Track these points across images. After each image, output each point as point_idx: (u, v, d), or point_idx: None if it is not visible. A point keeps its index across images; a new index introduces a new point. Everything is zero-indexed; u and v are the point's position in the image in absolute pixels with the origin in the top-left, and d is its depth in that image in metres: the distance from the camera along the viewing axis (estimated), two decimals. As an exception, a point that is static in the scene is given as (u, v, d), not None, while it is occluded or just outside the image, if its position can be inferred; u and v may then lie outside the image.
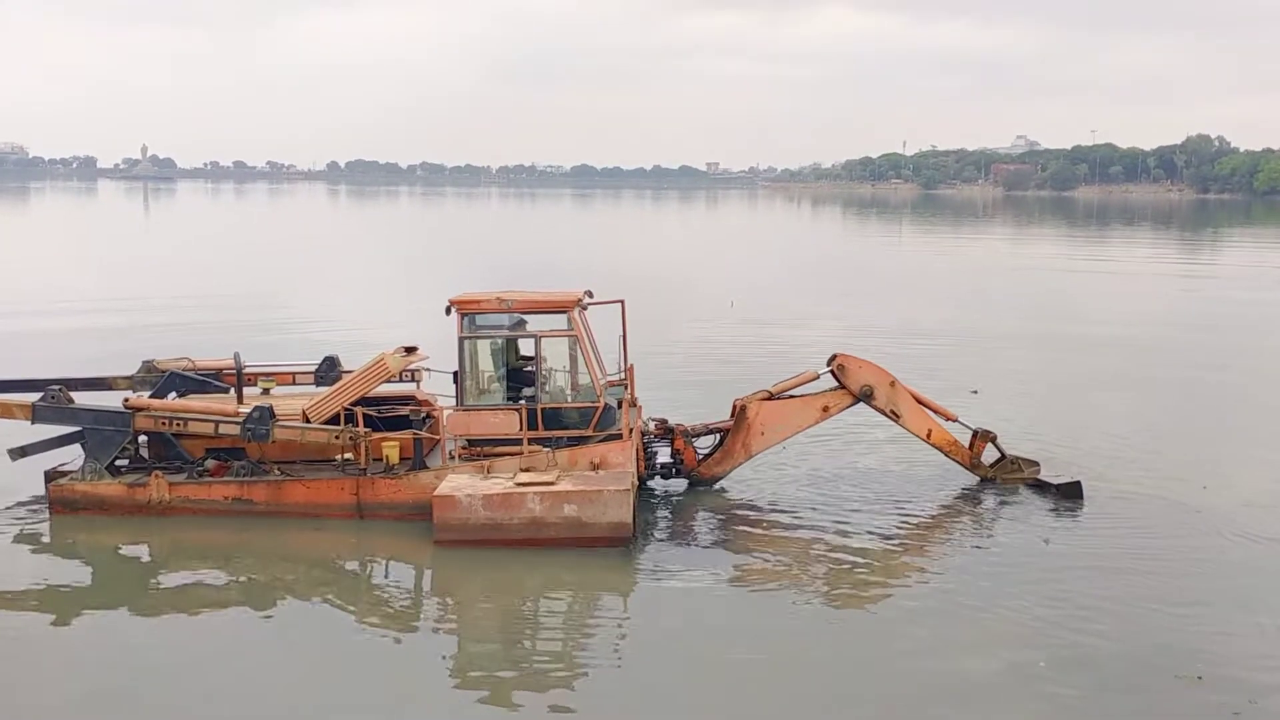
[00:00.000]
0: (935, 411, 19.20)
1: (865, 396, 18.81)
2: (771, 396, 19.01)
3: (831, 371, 18.90)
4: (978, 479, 19.27)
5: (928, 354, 32.24)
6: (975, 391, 26.22)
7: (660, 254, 79.05)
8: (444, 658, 13.04)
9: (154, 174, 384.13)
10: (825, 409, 18.97)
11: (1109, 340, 36.63)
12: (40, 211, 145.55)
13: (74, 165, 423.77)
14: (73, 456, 17.79)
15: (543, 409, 17.42)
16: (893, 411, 18.95)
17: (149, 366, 19.77)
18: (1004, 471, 19.20)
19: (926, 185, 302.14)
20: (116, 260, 67.42)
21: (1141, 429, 23.62)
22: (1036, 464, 19.24)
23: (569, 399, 17.96)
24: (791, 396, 19.06)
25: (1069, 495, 18.36)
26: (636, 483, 17.24)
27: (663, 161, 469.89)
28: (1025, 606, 14.10)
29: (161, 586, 15.22)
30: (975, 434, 19.30)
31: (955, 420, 19.26)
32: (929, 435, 19.11)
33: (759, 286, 51.95)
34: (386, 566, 16.03)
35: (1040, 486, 18.86)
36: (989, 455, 19.35)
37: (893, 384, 18.91)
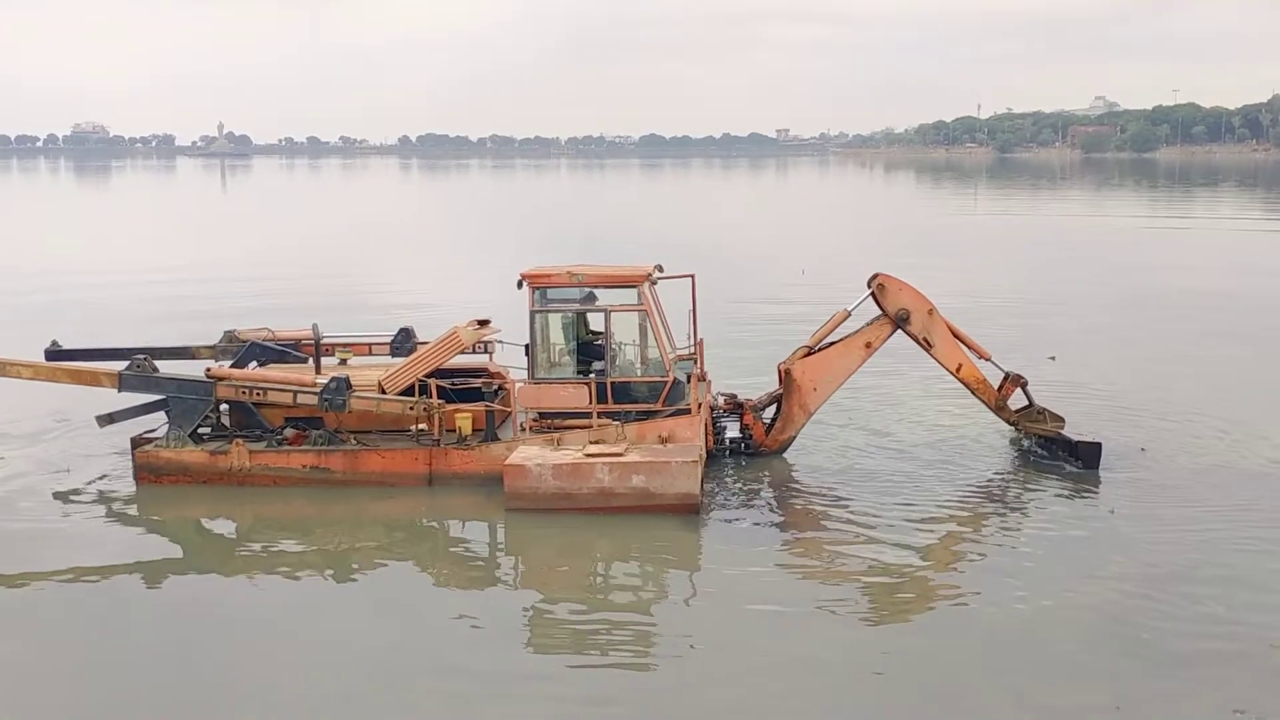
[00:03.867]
0: (969, 347, 18.81)
1: (901, 320, 18.43)
2: (811, 351, 18.84)
3: (872, 293, 18.60)
4: (1030, 441, 18.93)
5: (1006, 318, 31.85)
6: (1053, 358, 25.84)
7: (730, 222, 78.70)
8: (522, 618, 13.26)
9: (230, 151, 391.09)
10: (868, 345, 18.67)
11: (1190, 305, 35.81)
12: (124, 188, 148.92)
13: (153, 144, 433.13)
14: (158, 424, 18.33)
15: (612, 383, 17.53)
16: (926, 340, 18.57)
17: (230, 336, 20.27)
18: (1028, 419, 18.85)
19: (1002, 149, 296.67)
20: (198, 234, 68.88)
21: (1226, 398, 22.79)
22: (1061, 419, 18.80)
23: (638, 373, 18.04)
24: (831, 343, 18.85)
25: (1087, 455, 18.00)
26: (705, 456, 17.30)
27: (732, 129, 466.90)
28: (1104, 581, 13.88)
29: (246, 553, 15.70)
30: (1006, 376, 18.89)
31: (989, 359, 18.85)
32: (959, 369, 18.73)
33: (831, 254, 51.57)
34: (463, 531, 16.38)
35: (1060, 443, 18.49)
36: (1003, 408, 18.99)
37: (930, 312, 18.52)
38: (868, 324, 18.76)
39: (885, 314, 18.59)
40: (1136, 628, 12.55)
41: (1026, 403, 18.92)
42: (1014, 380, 18.90)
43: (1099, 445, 18.11)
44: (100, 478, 18.18)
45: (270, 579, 14.43)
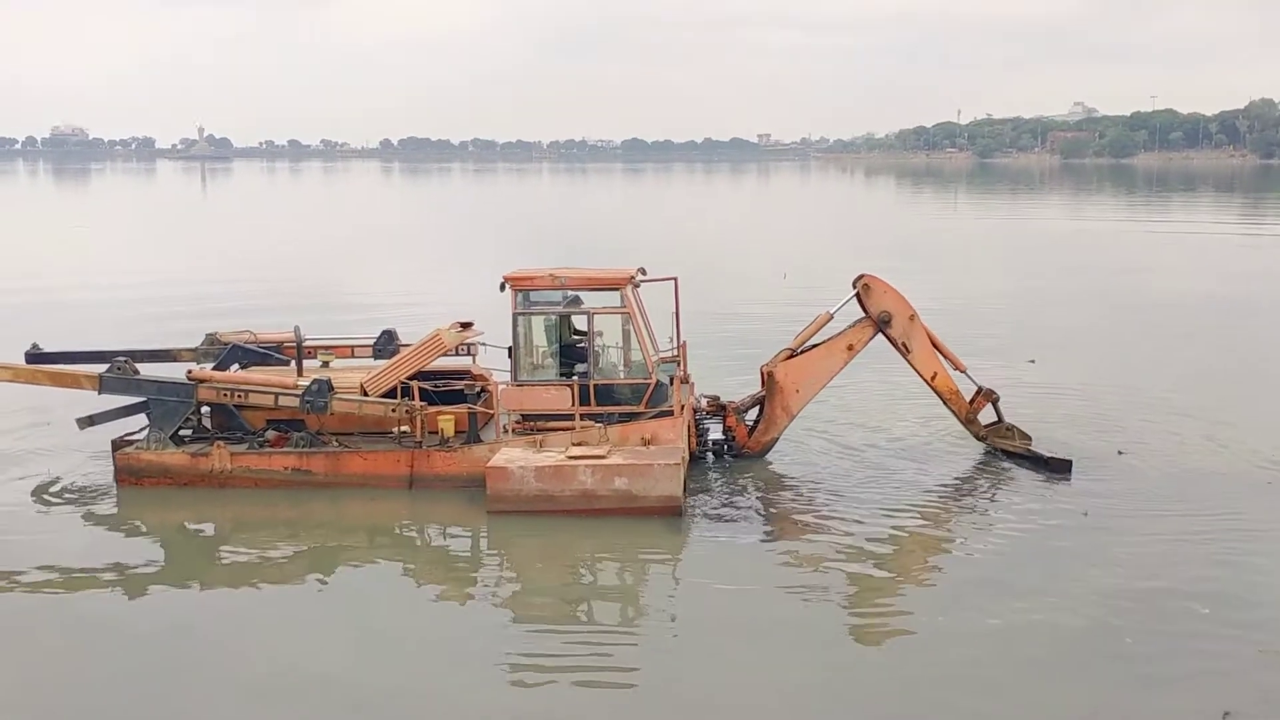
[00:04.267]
0: (946, 358, 18.91)
1: (883, 323, 18.54)
2: (794, 353, 18.91)
3: (857, 294, 18.67)
4: (987, 448, 19.07)
5: (987, 321, 31.98)
6: (1032, 360, 25.96)
7: (712, 227, 78.75)
8: (502, 622, 13.24)
9: (210, 154, 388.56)
10: (850, 348, 18.75)
11: (1170, 308, 36.05)
12: (104, 192, 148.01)
13: (133, 146, 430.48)
14: (139, 426, 18.22)
15: (595, 385, 17.55)
16: (905, 345, 18.68)
17: (212, 339, 20.19)
18: (997, 435, 18.99)
19: (982, 154, 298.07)
20: (178, 239, 68.55)
21: (1208, 402, 22.78)
22: (1029, 436, 18.94)
23: (621, 375, 18.06)
24: (814, 345, 18.92)
25: (1058, 471, 18.04)
26: (687, 458, 17.34)
27: (713, 134, 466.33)
28: (1082, 589, 13.88)
29: (225, 557, 15.65)
30: (979, 391, 19.04)
31: (964, 371, 18.97)
32: (934, 378, 18.85)
33: (812, 258, 51.66)
34: (444, 534, 16.36)
35: (1030, 459, 18.52)
36: (985, 419, 19.11)
37: (912, 317, 18.63)
38: (850, 326, 18.83)
39: (868, 315, 18.66)
40: (1115, 636, 12.56)
41: (996, 419, 19.04)
42: (986, 395, 19.02)
43: (1069, 462, 18.17)
44: (80, 480, 18.05)
45: (248, 585, 14.37)
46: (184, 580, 14.59)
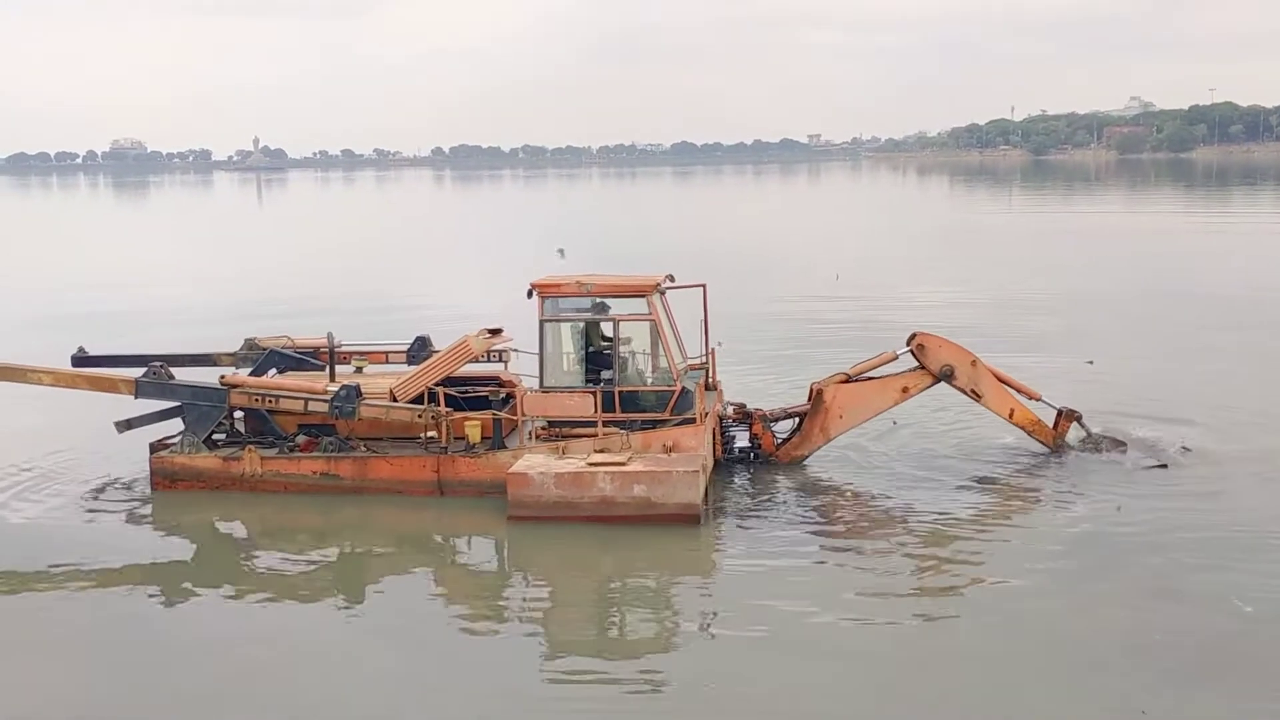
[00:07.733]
0: (1018, 390, 18.76)
1: (945, 376, 18.45)
2: (849, 379, 18.75)
3: (911, 351, 18.54)
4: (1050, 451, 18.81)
5: (1041, 322, 31.49)
6: (1090, 362, 25.48)
7: (763, 226, 78.43)
8: (525, 642, 13.11)
9: (266, 165, 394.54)
10: (905, 390, 18.65)
11: (1234, 306, 35.12)
12: (164, 204, 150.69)
13: (190, 159, 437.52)
14: (178, 430, 18.41)
15: (620, 392, 17.50)
16: (974, 391, 18.57)
17: (251, 344, 20.45)
18: (1090, 451, 18.70)
19: (1036, 151, 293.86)
20: (235, 246, 69.69)
21: (1268, 400, 22.20)
22: (1123, 444, 18.68)
23: (647, 382, 17.97)
24: (869, 378, 18.76)
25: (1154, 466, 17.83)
26: (710, 465, 17.20)
27: (763, 135, 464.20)
28: (1127, 583, 13.71)
29: (256, 563, 15.81)
30: (1060, 413, 18.85)
31: (1039, 399, 18.81)
32: (1011, 415, 18.71)
33: (866, 259, 51.20)
34: (467, 541, 16.44)
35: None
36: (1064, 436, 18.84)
37: (974, 363, 18.49)
38: (909, 370, 18.74)
39: (926, 369, 18.50)
40: (1148, 634, 12.37)
41: (1085, 435, 18.81)
42: (1068, 416, 18.85)
43: (1164, 467, 17.99)
44: (117, 482, 18.39)
45: (272, 590, 14.53)
46: (214, 590, 14.62)
